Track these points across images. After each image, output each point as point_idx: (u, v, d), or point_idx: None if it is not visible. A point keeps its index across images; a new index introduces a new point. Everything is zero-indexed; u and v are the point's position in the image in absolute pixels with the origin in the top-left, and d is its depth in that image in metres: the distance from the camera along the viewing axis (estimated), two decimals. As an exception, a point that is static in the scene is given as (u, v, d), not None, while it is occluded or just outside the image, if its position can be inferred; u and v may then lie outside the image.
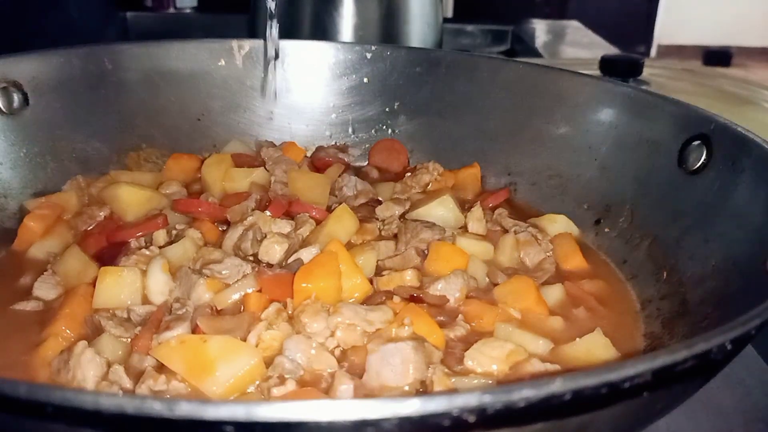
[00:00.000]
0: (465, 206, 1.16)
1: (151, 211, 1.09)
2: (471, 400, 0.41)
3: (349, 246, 1.02)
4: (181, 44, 1.31)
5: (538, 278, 1.00)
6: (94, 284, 0.89)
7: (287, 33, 1.82)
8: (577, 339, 0.86)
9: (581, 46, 2.72)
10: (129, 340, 0.82)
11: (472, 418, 0.42)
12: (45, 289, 0.91)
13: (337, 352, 0.81)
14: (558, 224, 1.13)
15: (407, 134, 1.38)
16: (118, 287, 0.88)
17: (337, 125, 1.39)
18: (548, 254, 1.06)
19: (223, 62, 1.33)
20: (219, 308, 0.87)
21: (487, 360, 0.80)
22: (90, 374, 0.74)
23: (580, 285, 1.00)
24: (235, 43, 1.33)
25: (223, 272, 0.91)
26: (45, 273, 0.93)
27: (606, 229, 1.12)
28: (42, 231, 1.03)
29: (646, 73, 1.83)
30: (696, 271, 0.90)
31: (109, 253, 0.98)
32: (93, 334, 0.82)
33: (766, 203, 0.82)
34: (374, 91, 1.37)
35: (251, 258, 0.97)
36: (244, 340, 0.79)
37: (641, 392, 0.48)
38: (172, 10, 2.71)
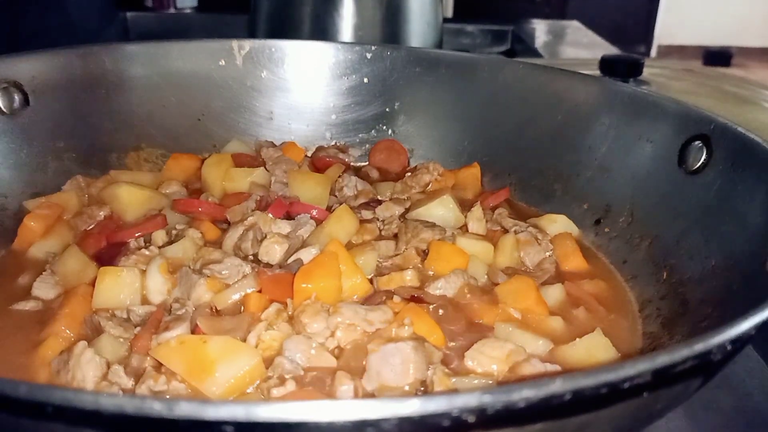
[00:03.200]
0: (465, 206, 1.16)
1: (151, 211, 1.09)
2: (471, 400, 0.41)
3: (349, 246, 1.02)
4: (181, 44, 1.31)
5: (538, 278, 1.00)
6: (93, 284, 0.89)
7: (287, 33, 1.83)
8: (577, 339, 0.86)
9: (581, 46, 2.72)
10: (129, 340, 0.81)
11: (472, 419, 0.42)
12: (44, 289, 0.91)
13: (337, 352, 0.81)
14: (558, 224, 1.13)
15: (407, 134, 1.38)
16: (118, 287, 0.88)
17: (337, 125, 1.39)
18: (548, 254, 1.06)
19: (223, 62, 1.33)
20: (219, 308, 0.87)
21: (487, 360, 0.80)
22: (90, 374, 0.74)
23: (580, 285, 1.00)
24: (235, 43, 1.33)
25: (223, 272, 0.91)
26: (44, 273, 0.93)
27: (606, 229, 1.11)
28: (42, 231, 1.03)
29: (646, 73, 1.83)
30: (696, 271, 0.90)
31: (109, 253, 0.98)
32: (93, 334, 0.82)
33: (766, 203, 0.82)
34: (374, 91, 1.37)
35: (251, 258, 0.97)
36: (244, 340, 0.79)
37: (641, 392, 0.48)
38: (172, 10, 2.71)
